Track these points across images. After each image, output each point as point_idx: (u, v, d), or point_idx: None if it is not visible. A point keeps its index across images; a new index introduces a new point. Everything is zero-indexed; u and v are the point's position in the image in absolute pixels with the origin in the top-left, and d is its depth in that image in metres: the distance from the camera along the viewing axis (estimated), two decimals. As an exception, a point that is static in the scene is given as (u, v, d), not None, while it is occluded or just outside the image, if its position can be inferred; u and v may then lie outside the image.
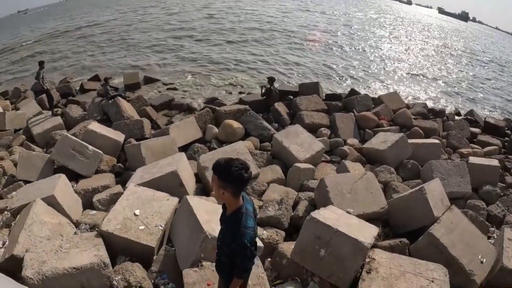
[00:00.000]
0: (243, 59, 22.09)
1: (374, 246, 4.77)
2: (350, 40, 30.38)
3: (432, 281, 3.96)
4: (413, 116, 11.71)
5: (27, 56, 28.89)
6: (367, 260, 4.29)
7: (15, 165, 8.48)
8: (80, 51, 28.53)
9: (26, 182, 7.53)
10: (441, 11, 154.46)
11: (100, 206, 6.34)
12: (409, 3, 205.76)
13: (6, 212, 5.91)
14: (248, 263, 2.62)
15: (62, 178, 6.44)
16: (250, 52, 24.48)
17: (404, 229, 5.75)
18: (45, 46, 33.45)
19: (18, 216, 5.51)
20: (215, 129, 10.06)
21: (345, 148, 9.29)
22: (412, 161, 8.37)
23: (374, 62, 23.95)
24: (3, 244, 4.93)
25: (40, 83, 12.47)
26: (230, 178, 2.39)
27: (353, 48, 27.42)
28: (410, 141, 8.95)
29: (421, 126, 10.85)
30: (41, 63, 12.45)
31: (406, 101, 14.04)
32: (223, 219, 2.73)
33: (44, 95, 13.56)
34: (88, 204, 6.57)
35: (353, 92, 13.73)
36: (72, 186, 6.95)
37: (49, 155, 8.37)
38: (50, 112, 12.54)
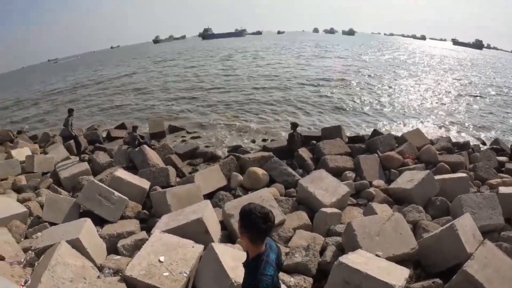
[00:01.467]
0: (266, 108, 22.54)
1: (406, 288, 4.64)
2: (369, 81, 30.79)
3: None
4: (438, 152, 11.56)
5: (58, 105, 30.38)
6: (400, 303, 4.15)
7: (42, 206, 8.71)
8: (107, 100, 29.95)
9: (52, 224, 7.71)
10: (455, 42, 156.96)
11: (124, 252, 6.37)
12: (423, 38, 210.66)
13: (30, 251, 6.04)
14: None
15: (88, 222, 6.57)
16: (272, 99, 25.18)
17: (436, 268, 5.58)
18: (73, 95, 35.14)
19: (42, 256, 5.59)
20: (240, 177, 10.16)
21: (371, 190, 9.21)
22: (440, 197, 8.16)
23: (396, 101, 24.12)
24: (25, 282, 4.98)
25: (69, 130, 12.96)
26: (249, 225, 2.44)
27: (372, 88, 27.77)
28: (436, 177, 8.80)
29: (447, 161, 10.65)
30: (70, 111, 13.01)
31: (429, 137, 13.92)
32: (246, 264, 2.73)
33: (72, 141, 14.07)
34: (112, 249, 6.61)
35: (375, 132, 13.77)
36: (97, 231, 7.03)
37: (75, 199, 8.56)
38: (77, 158, 12.97)
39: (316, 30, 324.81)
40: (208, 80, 35.42)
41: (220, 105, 24.09)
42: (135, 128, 13.53)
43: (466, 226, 5.81)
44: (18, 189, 10.81)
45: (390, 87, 28.20)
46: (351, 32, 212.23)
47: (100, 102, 30.19)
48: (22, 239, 7.33)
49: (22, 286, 4.91)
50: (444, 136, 15.58)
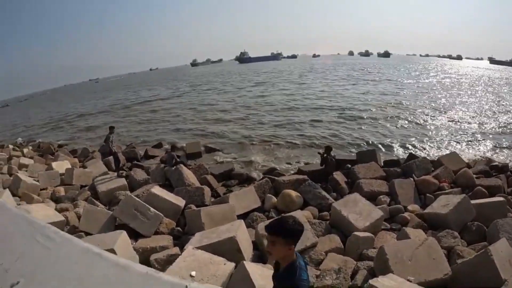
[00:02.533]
0: (303, 131, 22.56)
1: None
2: (408, 103, 30.18)
3: None
4: (475, 175, 11.14)
5: (101, 123, 31.80)
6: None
7: (78, 217, 9.07)
8: (146, 120, 31.05)
9: (87, 234, 7.99)
10: (492, 61, 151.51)
11: (156, 265, 6.48)
12: (459, 58, 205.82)
13: None
14: None
15: (123, 234, 6.78)
16: (308, 120, 25.33)
17: None
18: (112, 115, 36.72)
19: (78, 264, 5.76)
20: (274, 199, 10.19)
21: (406, 214, 9.01)
22: (476, 223, 7.86)
23: (432, 124, 23.37)
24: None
25: (109, 146, 13.53)
26: (291, 229, 2.55)
27: (411, 111, 27.16)
28: (473, 201, 8.49)
29: (484, 185, 10.24)
30: (111, 128, 13.61)
31: (466, 160, 13.43)
32: (276, 277, 2.80)
33: (111, 157, 14.59)
34: (145, 262, 6.67)
35: (411, 156, 13.49)
36: (131, 243, 7.23)
37: (111, 212, 8.84)
38: (115, 173, 13.37)
39: (351, 53, 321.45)
40: (245, 102, 35.96)
41: (257, 127, 24.35)
42: (173, 147, 13.92)
43: (501, 251, 5.59)
44: (56, 199, 11.34)
45: (428, 110, 27.51)
46: (386, 54, 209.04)
47: (139, 121, 31.35)
48: (59, 247, 7.59)
49: None
50: (481, 159, 15.08)
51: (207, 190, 10.96)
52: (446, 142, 18.97)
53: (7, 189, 10.45)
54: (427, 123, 23.26)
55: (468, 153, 16.69)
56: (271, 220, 2.68)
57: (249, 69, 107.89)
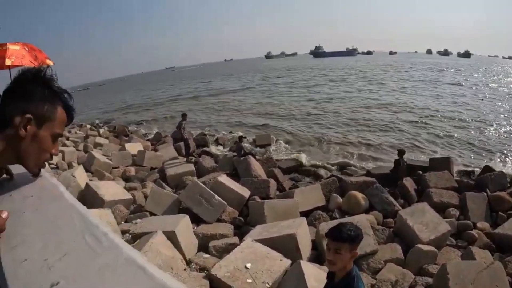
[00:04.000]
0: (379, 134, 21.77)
1: None
2: (488, 111, 27.85)
3: None
4: None
5: (175, 110, 33.19)
6: None
7: (145, 197, 9.54)
8: (217, 110, 32.00)
9: (152, 214, 8.40)
10: None
11: (214, 252, 6.63)
12: None
13: (128, 234, 6.61)
14: None
15: (186, 218, 6.96)
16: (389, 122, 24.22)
17: None
18: (185, 103, 38.14)
19: (138, 240, 6.05)
20: (339, 199, 10.01)
21: (474, 232, 8.40)
22: None
23: None
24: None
25: (181, 132, 13.97)
26: (352, 237, 2.45)
27: (494, 119, 25.06)
28: None
29: None
30: (184, 115, 14.06)
31: None
32: (332, 286, 2.70)
33: (182, 143, 15.07)
34: (203, 248, 6.92)
35: (487, 169, 12.53)
36: (193, 228, 7.43)
37: (177, 195, 9.19)
38: (185, 159, 13.84)
39: (429, 51, 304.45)
40: (323, 98, 35.46)
41: (331, 124, 23.94)
42: (241, 137, 14.07)
43: None
44: (126, 178, 12.05)
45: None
46: (466, 55, 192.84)
47: (211, 111, 32.31)
48: (123, 222, 8.10)
49: None
50: None
51: (273, 183, 10.98)
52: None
53: (81, 165, 11.21)
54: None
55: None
56: (332, 227, 2.56)
57: (325, 64, 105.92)
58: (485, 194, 10.16)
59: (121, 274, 0.74)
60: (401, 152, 11.26)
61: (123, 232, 6.98)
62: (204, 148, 16.92)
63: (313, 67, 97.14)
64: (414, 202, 10.06)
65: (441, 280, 5.59)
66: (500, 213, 9.52)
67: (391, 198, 9.82)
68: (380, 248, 7.12)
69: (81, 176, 9.74)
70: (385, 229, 8.08)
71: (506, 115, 25.30)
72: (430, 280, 6.10)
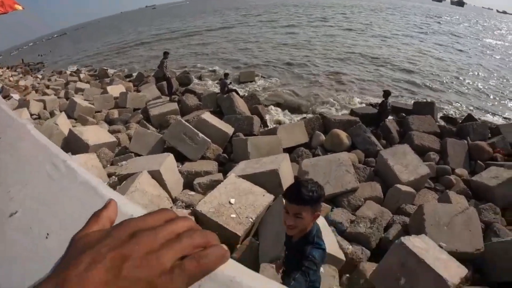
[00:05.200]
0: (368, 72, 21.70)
1: (458, 288, 4.45)
2: (483, 61, 27.65)
3: None
4: None
5: (157, 50, 32.46)
6: (447, 302, 3.95)
7: (130, 138, 9.65)
8: (200, 48, 31.54)
9: (137, 155, 8.53)
10: None
11: (199, 189, 6.84)
12: None
13: (114, 176, 6.78)
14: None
15: (170, 157, 7.07)
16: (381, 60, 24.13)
17: (497, 278, 5.23)
18: (168, 42, 37.24)
19: (124, 182, 6.20)
20: (322, 137, 10.19)
21: (452, 177, 8.73)
22: None
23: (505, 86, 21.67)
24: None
25: (163, 71, 13.77)
26: (315, 198, 2.18)
27: (485, 69, 25.02)
28: None
29: None
30: (165, 53, 13.78)
31: None
32: (293, 246, 2.47)
33: (164, 82, 14.92)
34: (188, 185, 7.13)
35: (470, 117, 12.88)
36: (177, 166, 7.58)
37: (161, 135, 9.28)
38: (168, 98, 13.77)
39: None
40: (307, 36, 34.84)
41: (319, 62, 23.67)
42: (226, 75, 13.95)
43: None
44: (110, 121, 12.06)
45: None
46: (460, 3, 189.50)
47: (193, 49, 31.61)
48: (108, 165, 8.24)
49: None
50: None
51: (256, 119, 11.08)
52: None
53: (63, 112, 11.18)
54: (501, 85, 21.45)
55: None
56: (290, 187, 2.25)
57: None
58: (466, 142, 10.41)
59: (74, 196, 0.81)
60: (386, 93, 11.28)
61: (109, 175, 7.14)
62: (188, 87, 16.76)
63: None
64: (396, 143, 10.32)
65: (417, 220, 5.83)
66: (479, 162, 9.79)
67: (373, 138, 10.03)
68: (360, 186, 7.34)
69: (63, 123, 9.72)
70: (366, 168, 8.32)
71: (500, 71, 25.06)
72: (407, 219, 6.38)
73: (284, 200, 2.24)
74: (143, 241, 0.42)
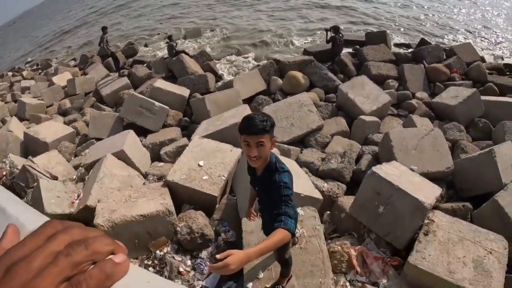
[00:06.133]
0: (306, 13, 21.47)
1: (435, 207, 4.63)
2: None
3: (490, 253, 3.73)
4: (487, 71, 10.83)
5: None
6: (426, 221, 4.10)
7: (87, 125, 9.37)
8: (138, 15, 30.54)
9: (98, 139, 8.33)
10: None
11: (167, 158, 6.82)
12: None
13: (80, 168, 6.64)
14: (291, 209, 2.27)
15: (130, 134, 6.95)
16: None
17: (469, 193, 5.49)
18: (106, 17, 35.77)
19: (91, 170, 6.07)
20: (280, 81, 10.19)
21: (413, 101, 9.02)
22: (484, 120, 7.84)
23: (449, 9, 21.82)
24: (78, 196, 5.49)
25: (105, 47, 13.25)
26: (269, 125, 2.28)
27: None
28: (483, 98, 8.34)
29: (496, 83, 9.98)
30: (104, 29, 13.17)
31: (481, 54, 12.95)
32: (259, 180, 2.60)
33: (110, 59, 14.44)
34: (156, 157, 7.10)
35: (423, 42, 13.10)
36: (141, 141, 7.52)
37: (118, 113, 9.07)
38: (117, 74, 13.36)
39: None
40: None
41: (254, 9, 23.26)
42: (171, 37, 13.55)
43: (505, 154, 5.48)
44: (63, 113, 11.68)
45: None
46: None
47: (132, 17, 30.66)
48: (72, 158, 8.05)
49: (75, 200, 5.40)
50: (497, 55, 14.42)
51: (210, 76, 10.98)
52: (463, 31, 17.73)
53: (14, 117, 10.73)
54: (446, 8, 21.43)
55: (483, 47, 15.70)
56: (242, 123, 2.30)
57: None
58: (423, 65, 10.67)
59: None
60: (335, 28, 11.16)
61: (76, 167, 6.98)
62: (135, 57, 16.31)
63: None
64: (354, 76, 10.35)
65: (385, 148, 5.97)
66: (438, 83, 10.09)
67: (330, 74, 10.13)
68: (325, 123, 7.49)
69: (17, 128, 9.31)
70: (328, 104, 8.47)
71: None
72: (376, 148, 6.56)
73: (242, 136, 2.31)
74: (18, 275, 0.40)
